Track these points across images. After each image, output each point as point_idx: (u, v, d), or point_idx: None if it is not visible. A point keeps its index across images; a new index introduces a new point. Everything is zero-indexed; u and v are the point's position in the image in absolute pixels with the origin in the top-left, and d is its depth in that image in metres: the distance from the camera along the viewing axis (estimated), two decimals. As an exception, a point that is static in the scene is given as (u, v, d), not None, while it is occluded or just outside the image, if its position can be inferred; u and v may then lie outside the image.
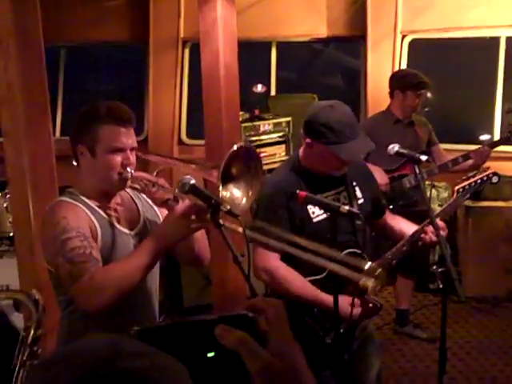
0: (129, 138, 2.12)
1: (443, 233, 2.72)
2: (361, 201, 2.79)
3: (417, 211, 4.29)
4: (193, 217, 1.97)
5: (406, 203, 4.31)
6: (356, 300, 2.58)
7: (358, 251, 2.69)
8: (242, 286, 3.97)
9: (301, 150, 2.75)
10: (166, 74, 6.27)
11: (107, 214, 2.18)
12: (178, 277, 4.86)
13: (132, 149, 2.14)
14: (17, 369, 1.61)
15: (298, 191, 2.43)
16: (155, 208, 2.34)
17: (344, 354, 2.67)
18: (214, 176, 2.04)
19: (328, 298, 2.53)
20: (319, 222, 2.66)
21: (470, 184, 3.14)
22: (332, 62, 7.89)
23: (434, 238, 2.72)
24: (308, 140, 2.64)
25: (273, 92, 6.47)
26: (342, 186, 2.75)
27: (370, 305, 2.72)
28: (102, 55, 7.74)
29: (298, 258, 2.36)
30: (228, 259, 3.86)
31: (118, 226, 2.19)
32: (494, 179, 3.20)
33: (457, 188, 3.15)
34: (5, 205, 4.62)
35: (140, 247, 2.07)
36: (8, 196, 4.63)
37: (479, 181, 3.16)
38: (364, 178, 2.89)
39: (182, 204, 2.00)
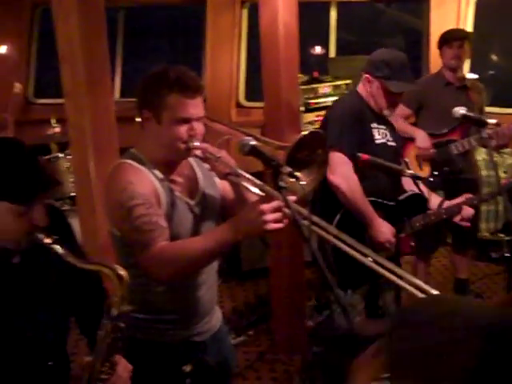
0: (196, 109, 2.07)
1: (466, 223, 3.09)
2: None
3: (462, 179, 4.16)
4: (275, 216, 1.85)
5: (452, 170, 4.17)
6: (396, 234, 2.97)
7: None
8: (299, 251, 3.95)
9: (359, 87, 3.19)
10: (224, 35, 6.19)
11: (169, 182, 2.15)
12: (236, 240, 4.87)
13: (198, 119, 2.09)
14: (99, 341, 1.64)
15: (359, 154, 2.41)
16: (214, 177, 2.31)
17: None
18: (281, 156, 1.99)
19: (380, 223, 2.95)
20: (379, 144, 3.08)
21: None
22: (393, 23, 7.66)
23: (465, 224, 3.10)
24: (367, 75, 3.09)
25: (332, 54, 6.32)
26: (390, 125, 3.23)
27: (412, 244, 3.17)
28: (160, 16, 7.72)
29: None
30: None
31: (179, 194, 2.16)
32: None
33: None
34: (66, 166, 4.71)
35: (213, 234, 2.00)
36: (70, 157, 4.73)
37: None
38: None
39: (267, 203, 1.88)
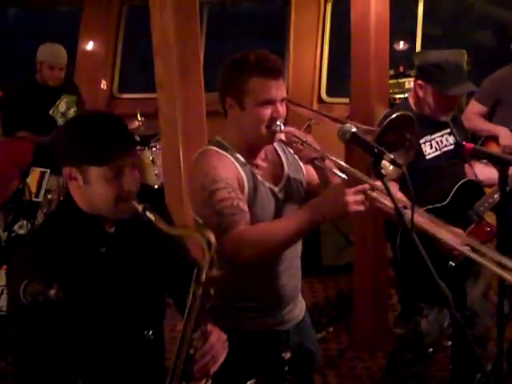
0: (278, 90, 2.05)
1: None
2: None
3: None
4: (357, 198, 1.85)
5: None
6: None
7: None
8: (383, 247, 3.87)
9: (410, 96, 3.07)
10: (308, 29, 6.16)
11: (253, 168, 2.15)
12: (317, 235, 4.83)
13: (282, 100, 2.08)
14: (189, 306, 1.64)
15: (463, 143, 2.34)
16: (300, 162, 2.28)
17: (466, 279, 2.96)
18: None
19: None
20: (431, 159, 2.96)
21: None
22: (483, 16, 7.40)
23: None
24: (419, 82, 2.95)
25: (418, 48, 6.19)
26: (447, 129, 3.03)
27: (488, 229, 2.90)
28: (243, 11, 7.76)
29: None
30: (368, 219, 3.78)
31: (262, 180, 2.15)
32: None
33: None
34: (151, 158, 4.79)
35: (295, 216, 2.01)
36: (154, 149, 4.81)
37: None
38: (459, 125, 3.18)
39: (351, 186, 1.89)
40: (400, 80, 5.22)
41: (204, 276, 1.63)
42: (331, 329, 4.23)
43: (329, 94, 6.40)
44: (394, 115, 1.96)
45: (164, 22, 2.78)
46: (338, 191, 1.87)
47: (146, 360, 1.80)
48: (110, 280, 1.72)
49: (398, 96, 5.14)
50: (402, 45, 6.61)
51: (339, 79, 6.69)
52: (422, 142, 2.94)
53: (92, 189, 1.68)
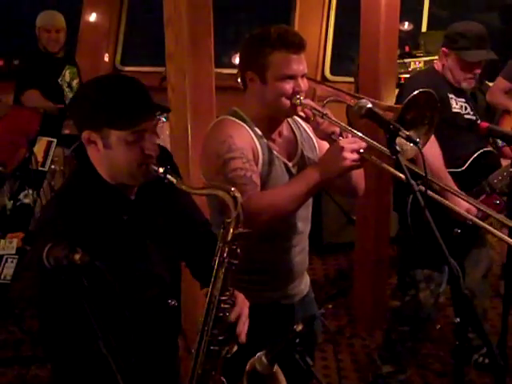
0: (300, 65, 2.07)
1: None
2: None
3: None
4: (357, 155, 1.90)
5: None
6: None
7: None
8: (385, 226, 3.90)
9: (435, 63, 3.21)
10: (314, 7, 6.11)
11: (269, 142, 2.16)
12: (318, 213, 4.84)
13: (303, 75, 2.09)
14: (216, 266, 1.63)
15: (478, 122, 2.35)
16: (314, 140, 2.30)
17: (471, 247, 3.09)
18: (390, 117, 1.95)
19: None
20: (456, 113, 3.03)
21: None
22: (489, -2, 7.36)
23: None
24: (444, 49, 3.09)
25: (424, 29, 6.17)
26: (470, 100, 3.18)
27: (497, 201, 2.96)
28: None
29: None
30: (371, 198, 3.79)
31: (277, 154, 2.17)
32: None
33: None
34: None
35: (299, 177, 2.06)
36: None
37: None
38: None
39: (348, 140, 1.95)
40: (405, 60, 5.21)
41: (230, 234, 1.61)
42: (330, 306, 4.27)
43: (332, 72, 6.37)
44: (415, 92, 1.97)
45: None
46: (336, 149, 1.93)
47: (168, 327, 1.80)
48: (132, 247, 1.70)
49: (403, 76, 5.12)
50: (406, 25, 6.58)
51: (344, 58, 6.66)
52: (450, 96, 3.04)
53: (112, 153, 1.64)
